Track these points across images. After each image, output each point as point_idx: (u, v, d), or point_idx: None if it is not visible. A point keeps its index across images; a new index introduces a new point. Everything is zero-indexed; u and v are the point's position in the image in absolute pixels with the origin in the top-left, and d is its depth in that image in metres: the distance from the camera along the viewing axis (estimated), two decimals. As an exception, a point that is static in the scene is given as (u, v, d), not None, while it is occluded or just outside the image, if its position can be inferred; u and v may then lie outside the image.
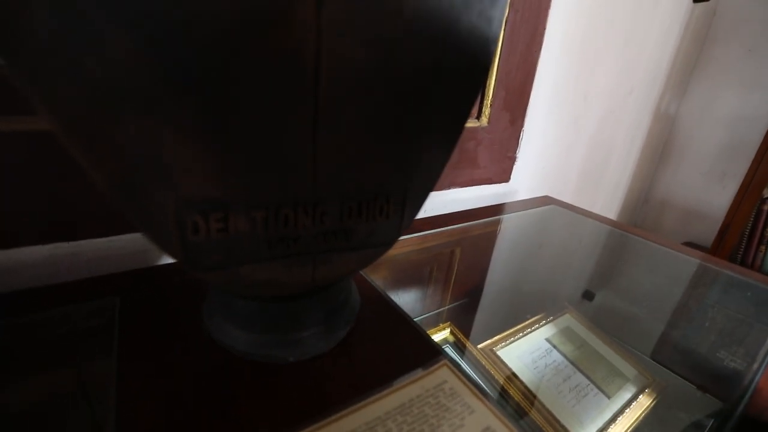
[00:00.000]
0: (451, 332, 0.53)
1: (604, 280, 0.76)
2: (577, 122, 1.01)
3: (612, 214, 1.44)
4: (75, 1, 0.14)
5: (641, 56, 1.13)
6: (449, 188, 0.75)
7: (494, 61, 0.73)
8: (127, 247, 0.44)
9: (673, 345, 0.58)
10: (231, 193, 0.19)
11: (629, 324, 0.63)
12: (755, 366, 0.39)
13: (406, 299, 0.55)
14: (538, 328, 0.56)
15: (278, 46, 0.16)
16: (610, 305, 0.69)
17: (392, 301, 0.40)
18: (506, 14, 0.69)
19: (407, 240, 0.63)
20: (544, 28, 0.77)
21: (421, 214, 0.27)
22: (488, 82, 0.73)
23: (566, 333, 0.57)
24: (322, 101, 0.19)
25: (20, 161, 0.35)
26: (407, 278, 0.60)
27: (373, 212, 0.23)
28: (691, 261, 0.71)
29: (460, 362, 0.48)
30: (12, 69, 0.15)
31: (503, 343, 0.51)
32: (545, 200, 0.89)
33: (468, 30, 0.22)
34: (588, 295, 0.80)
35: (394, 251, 0.56)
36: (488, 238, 0.73)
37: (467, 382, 0.29)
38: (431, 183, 0.26)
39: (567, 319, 0.60)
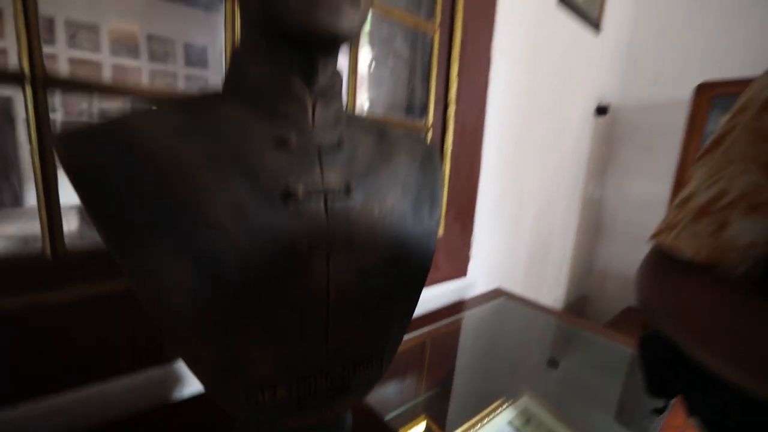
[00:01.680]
0: (427, 426, 0.62)
1: (551, 361, 0.89)
2: (517, 219, 1.22)
3: (561, 286, 1.62)
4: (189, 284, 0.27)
5: (564, 159, 1.40)
6: (417, 288, 0.89)
7: (444, 185, 0.92)
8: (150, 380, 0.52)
9: (614, 411, 0.70)
10: (278, 374, 0.31)
11: (576, 398, 0.75)
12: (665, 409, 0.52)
13: (386, 395, 0.65)
14: (501, 412, 0.66)
15: (305, 283, 0.30)
16: (558, 383, 0.82)
17: (376, 411, 0.50)
18: (450, 147, 0.89)
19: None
20: (481, 155, 0.98)
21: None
22: (441, 201, 0.91)
23: (525, 414, 0.67)
24: (332, 308, 0.32)
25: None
26: (388, 377, 0.70)
27: (363, 367, 0.35)
28: (610, 343, 0.88)
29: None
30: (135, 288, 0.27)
31: (472, 431, 0.61)
32: (497, 293, 1.05)
33: (416, 240, 0.36)
34: (553, 363, 0.93)
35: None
36: (452, 336, 0.86)
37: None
38: (401, 337, 0.39)
39: (525, 401, 0.70)
